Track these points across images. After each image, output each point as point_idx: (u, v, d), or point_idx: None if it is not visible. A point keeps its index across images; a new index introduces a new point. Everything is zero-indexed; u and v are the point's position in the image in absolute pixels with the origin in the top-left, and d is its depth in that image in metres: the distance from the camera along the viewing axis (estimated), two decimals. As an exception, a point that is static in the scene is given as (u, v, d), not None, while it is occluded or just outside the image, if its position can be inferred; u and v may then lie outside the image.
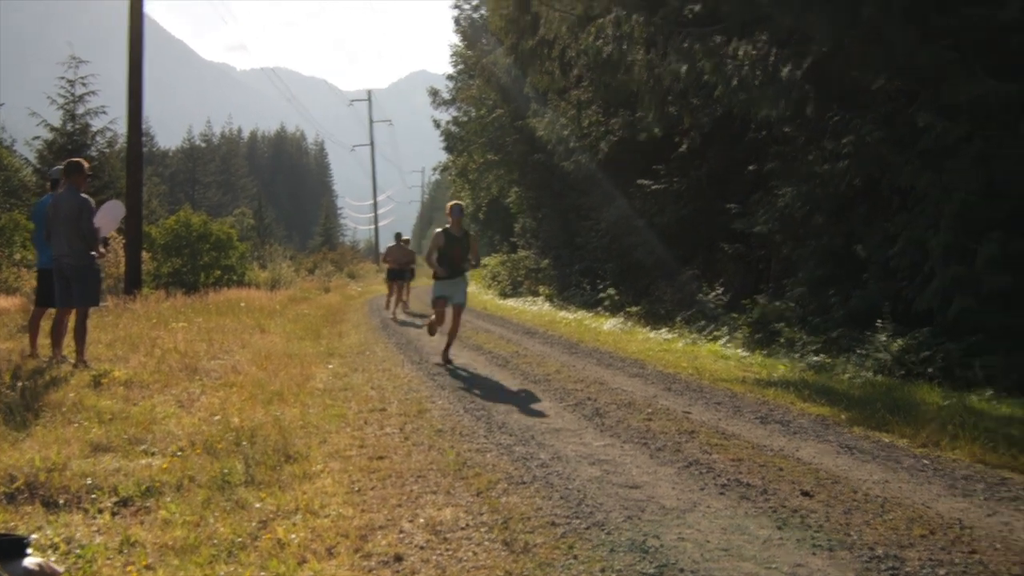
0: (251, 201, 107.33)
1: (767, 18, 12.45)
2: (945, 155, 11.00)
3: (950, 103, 10.78)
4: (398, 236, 24.15)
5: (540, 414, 8.24)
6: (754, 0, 12.14)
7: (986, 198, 10.58)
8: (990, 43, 10.56)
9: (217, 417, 7.22)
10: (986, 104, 10.39)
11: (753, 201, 15.96)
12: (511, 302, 28.39)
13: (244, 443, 6.30)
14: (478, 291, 35.79)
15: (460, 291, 12.19)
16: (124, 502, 4.98)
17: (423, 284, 28.92)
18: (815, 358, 11.76)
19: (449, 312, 12.27)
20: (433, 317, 12.45)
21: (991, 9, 10.19)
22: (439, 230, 12.20)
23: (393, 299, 22.88)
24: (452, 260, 11.92)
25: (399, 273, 22.92)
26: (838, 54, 12.16)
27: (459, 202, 12.39)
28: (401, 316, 22.02)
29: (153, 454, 6.05)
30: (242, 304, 20.13)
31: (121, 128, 32.01)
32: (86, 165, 10.23)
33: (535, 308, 24.93)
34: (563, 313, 22.18)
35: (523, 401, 8.91)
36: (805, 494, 5.47)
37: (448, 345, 12.39)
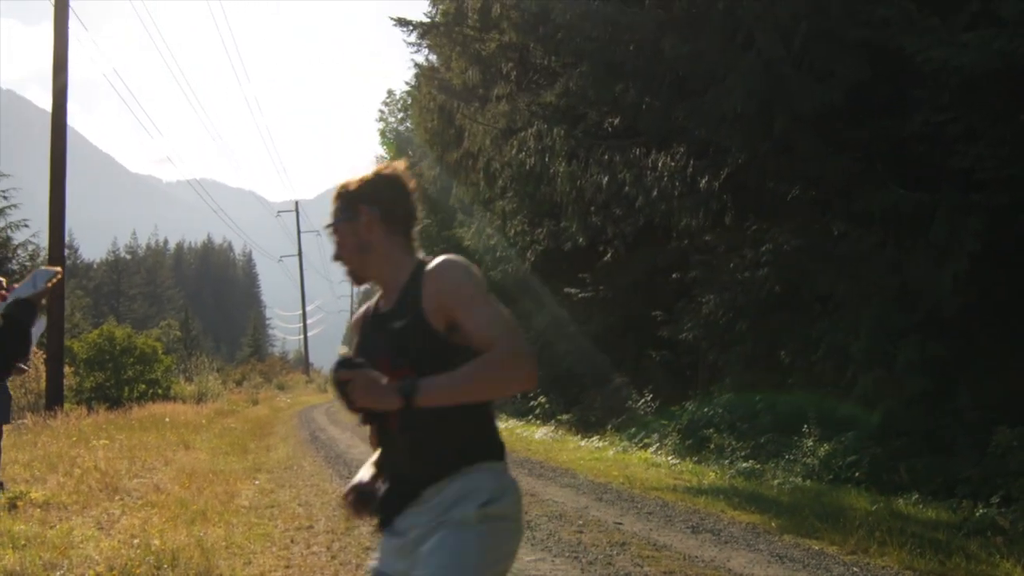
0: (178, 313, 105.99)
1: (683, 131, 12.82)
2: (861, 262, 11.30)
3: (863, 211, 11.12)
4: None
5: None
6: (670, 114, 12.50)
7: (902, 303, 10.87)
8: (898, 153, 10.98)
9: (137, 540, 7.01)
10: (897, 212, 10.74)
11: (678, 308, 16.19)
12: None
13: (165, 567, 6.10)
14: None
15: None
16: (36, 636, 4.78)
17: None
18: (744, 464, 11.81)
19: None
20: None
21: (897, 122, 10.62)
22: None
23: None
24: None
25: None
26: (753, 165, 12.54)
27: None
28: None
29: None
30: (167, 419, 19.70)
31: (44, 241, 31.69)
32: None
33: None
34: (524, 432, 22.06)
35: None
36: (737, 607, 5.45)
37: None
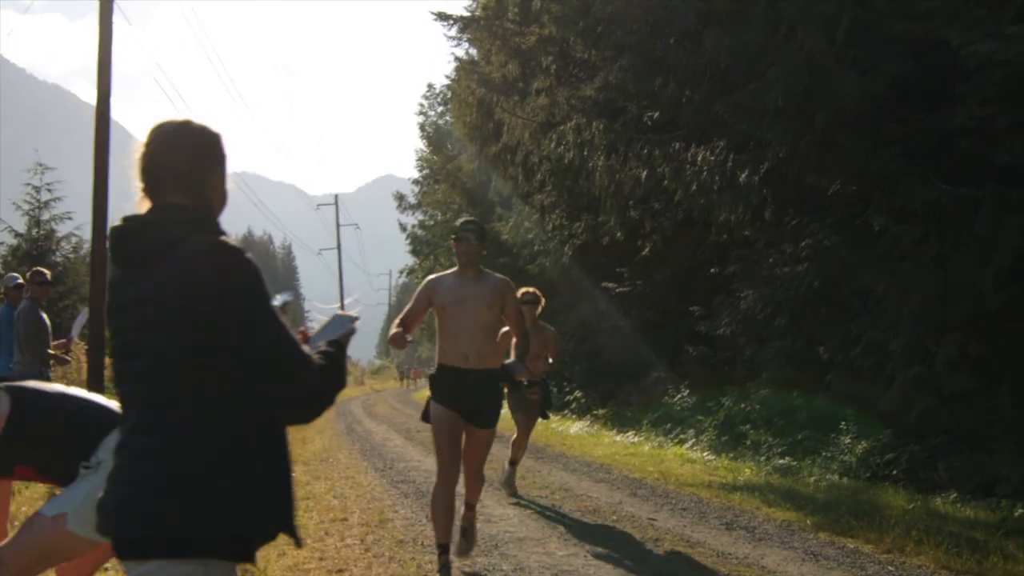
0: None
1: (724, 125, 12.72)
2: (902, 258, 11.17)
3: (905, 207, 10.98)
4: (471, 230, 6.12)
5: (504, 522, 8.13)
6: (710, 108, 12.41)
7: (944, 300, 10.72)
8: (941, 148, 10.81)
9: (172, 530, 7.05)
10: (940, 207, 10.60)
11: (716, 303, 16.10)
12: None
13: (199, 558, 6.14)
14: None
15: None
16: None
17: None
18: (781, 461, 11.74)
19: None
20: None
21: (940, 116, 10.46)
22: None
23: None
24: None
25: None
26: (794, 160, 12.42)
27: None
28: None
29: (106, 569, 5.89)
30: (205, 410, 19.85)
31: (87, 234, 31.98)
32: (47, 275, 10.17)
33: (503, 412, 24.72)
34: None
35: (487, 509, 8.77)
36: (770, 604, 5.40)
37: None
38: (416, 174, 48.62)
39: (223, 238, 2.34)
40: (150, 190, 2.40)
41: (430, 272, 40.45)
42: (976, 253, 10.23)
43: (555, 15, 15.81)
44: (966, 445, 9.99)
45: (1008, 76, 9.34)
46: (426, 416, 6.14)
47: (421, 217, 46.09)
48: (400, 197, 47.19)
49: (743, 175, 13.02)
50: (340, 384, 2.37)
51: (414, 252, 46.32)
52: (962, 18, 9.62)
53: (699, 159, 13.44)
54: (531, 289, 9.55)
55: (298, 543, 2.39)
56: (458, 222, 6.16)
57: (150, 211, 2.37)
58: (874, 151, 11.16)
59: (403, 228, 46.28)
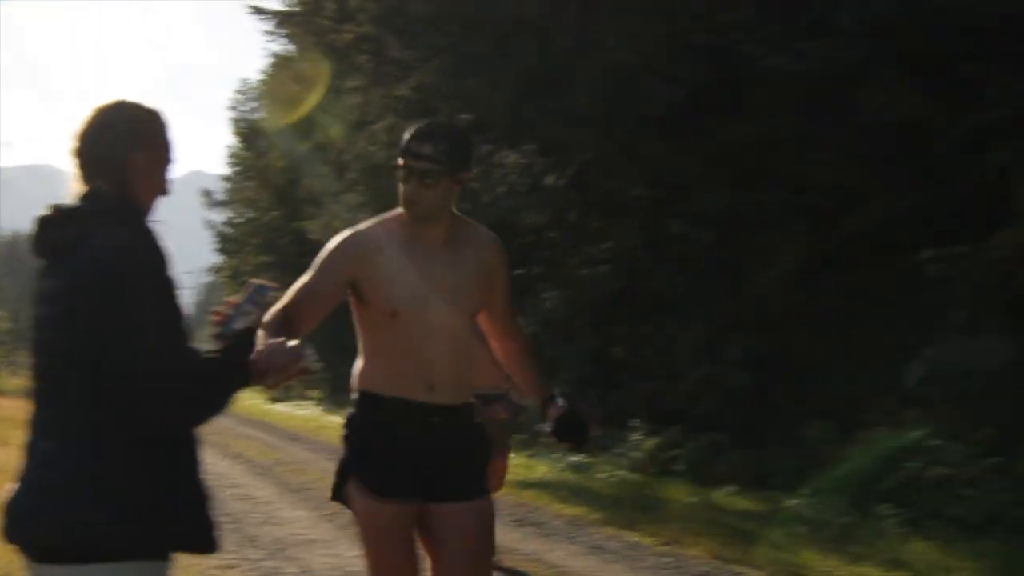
0: (11, 304, 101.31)
1: (533, 128, 12.89)
2: (695, 261, 11.58)
3: (700, 212, 11.37)
4: None
5: (294, 524, 7.95)
6: (520, 112, 12.55)
7: (730, 302, 11.16)
8: (735, 156, 11.23)
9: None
10: (730, 213, 11.02)
11: (519, 305, 16.27)
12: (280, 406, 27.22)
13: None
14: (243, 395, 34.80)
15: None
16: None
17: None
18: (574, 458, 11.92)
19: None
20: None
21: (735, 126, 10.85)
22: None
23: None
24: None
25: None
26: (598, 164, 12.69)
27: None
28: None
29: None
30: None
31: None
32: None
33: (304, 412, 24.32)
34: (333, 417, 21.70)
35: (279, 512, 8.57)
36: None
37: None
38: (227, 170, 47.26)
39: (128, 232, 2.14)
40: (78, 175, 2.23)
41: (237, 271, 39.63)
42: (762, 257, 10.69)
43: (372, 14, 15.69)
44: (744, 441, 10.42)
45: (796, 89, 9.80)
46: (340, 491, 3.13)
47: (230, 214, 44.83)
48: (207, 194, 45.82)
49: (550, 178, 13.23)
50: (228, 394, 2.18)
51: (221, 250, 45.00)
52: (757, 32, 10.04)
53: (508, 161, 13.58)
54: None
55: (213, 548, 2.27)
56: (408, 133, 3.01)
57: (75, 199, 2.20)
58: (673, 158, 11.52)
59: (210, 225, 44.90)
